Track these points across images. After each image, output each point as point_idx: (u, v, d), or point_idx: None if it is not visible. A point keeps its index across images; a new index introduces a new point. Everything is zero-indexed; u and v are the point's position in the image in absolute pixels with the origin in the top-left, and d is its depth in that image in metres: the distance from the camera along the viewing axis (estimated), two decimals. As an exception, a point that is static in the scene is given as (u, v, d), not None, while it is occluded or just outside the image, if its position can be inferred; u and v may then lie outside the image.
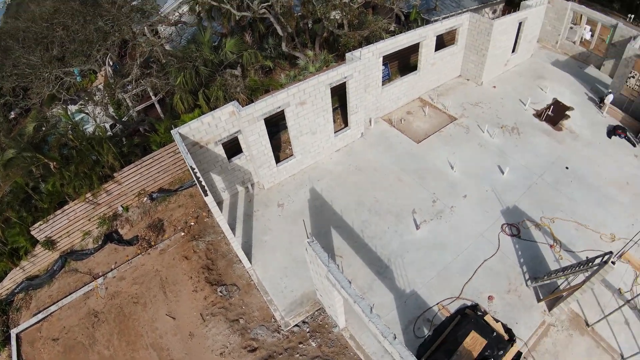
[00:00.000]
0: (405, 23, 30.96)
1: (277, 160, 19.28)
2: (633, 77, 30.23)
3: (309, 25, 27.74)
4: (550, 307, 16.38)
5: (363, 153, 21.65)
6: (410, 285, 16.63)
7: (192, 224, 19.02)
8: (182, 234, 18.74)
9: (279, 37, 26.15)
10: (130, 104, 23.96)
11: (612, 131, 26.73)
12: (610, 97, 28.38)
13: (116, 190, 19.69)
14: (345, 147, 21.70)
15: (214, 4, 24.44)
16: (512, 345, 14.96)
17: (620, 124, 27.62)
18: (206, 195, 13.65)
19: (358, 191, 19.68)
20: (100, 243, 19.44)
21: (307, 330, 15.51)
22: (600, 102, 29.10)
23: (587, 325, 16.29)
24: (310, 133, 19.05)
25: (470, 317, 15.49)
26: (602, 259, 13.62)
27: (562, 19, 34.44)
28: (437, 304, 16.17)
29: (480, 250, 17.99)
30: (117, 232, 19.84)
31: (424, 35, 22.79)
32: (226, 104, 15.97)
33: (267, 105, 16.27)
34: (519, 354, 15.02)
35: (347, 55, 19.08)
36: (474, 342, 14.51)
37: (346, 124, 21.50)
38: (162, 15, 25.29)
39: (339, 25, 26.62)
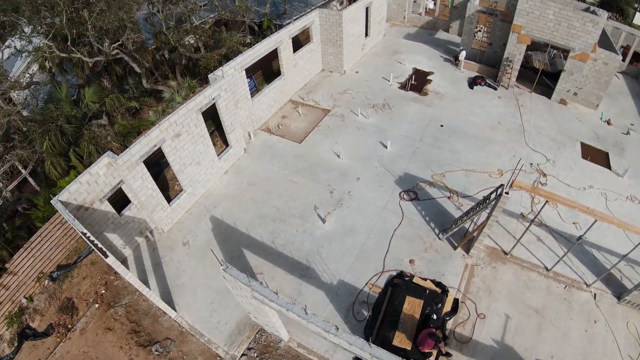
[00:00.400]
0: (260, 32, 32.65)
1: (169, 199, 19.36)
2: (479, 31, 34.84)
3: (166, 55, 28.13)
4: (467, 250, 18.88)
5: (251, 167, 22.66)
6: (336, 276, 17.90)
7: (103, 292, 18.50)
8: (97, 305, 18.12)
9: (138, 75, 26.29)
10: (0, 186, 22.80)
11: (472, 82, 31.31)
12: (463, 54, 32.84)
13: (13, 283, 18.64)
14: (232, 167, 22.51)
15: (64, 55, 24.13)
16: (446, 295, 16.97)
17: (478, 74, 32.19)
18: (107, 257, 13.56)
19: (257, 205, 20.57)
20: (16, 345, 18.16)
21: (255, 355, 15.87)
22: (455, 60, 33.54)
23: (506, 254, 19.17)
24: (193, 163, 19.48)
25: (400, 285, 17.08)
26: (496, 192, 16.07)
27: (405, -6, 38.35)
28: (366, 284, 17.65)
29: (388, 222, 20.02)
30: (29, 327, 18.61)
31: (280, 40, 24.46)
32: (101, 157, 15.75)
33: (142, 147, 16.33)
34: (456, 300, 17.11)
35: (210, 76, 19.83)
36: (411, 305, 16.08)
37: (227, 144, 22.26)
38: (12, 80, 24.22)
39: (196, 49, 27.36)
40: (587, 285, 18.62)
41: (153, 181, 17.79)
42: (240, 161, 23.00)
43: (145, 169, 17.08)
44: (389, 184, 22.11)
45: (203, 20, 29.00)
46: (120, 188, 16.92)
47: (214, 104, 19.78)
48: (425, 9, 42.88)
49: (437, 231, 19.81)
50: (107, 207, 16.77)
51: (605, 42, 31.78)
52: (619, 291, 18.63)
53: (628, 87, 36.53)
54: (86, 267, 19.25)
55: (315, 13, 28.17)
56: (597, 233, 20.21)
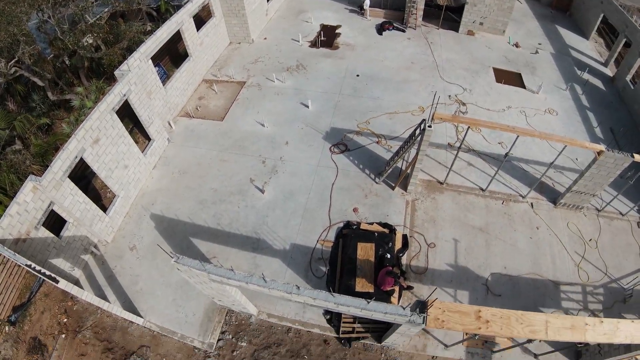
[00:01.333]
0: (159, 17, 31.61)
1: (104, 209, 18.93)
2: (382, -24, 35.50)
3: (66, 62, 26.92)
4: (405, 188, 20.03)
5: (179, 156, 22.45)
6: (287, 241, 18.47)
7: (65, 320, 17.96)
8: (63, 335, 17.55)
9: (42, 89, 25.08)
10: None
11: (380, 28, 32.25)
12: (367, 2, 33.50)
13: (-27, 337, 17.41)
14: (160, 160, 22.22)
15: (-41, 82, 22.37)
16: (395, 234, 18.16)
17: (385, 20, 33.12)
18: (57, 282, 13.36)
19: (194, 192, 20.54)
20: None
21: (231, 336, 16.27)
22: (361, 10, 34.18)
23: (441, 183, 20.54)
24: (119, 166, 19.10)
25: (349, 234, 17.94)
26: (420, 128, 16.98)
27: (299, -48, 38.01)
28: (317, 242, 18.42)
29: (325, 178, 20.82)
30: (5, 380, 17.74)
31: (181, 21, 23.82)
32: (24, 183, 15.02)
33: (63, 162, 15.83)
34: (404, 236, 18.33)
35: (116, 72, 19.21)
36: (364, 250, 16.88)
37: (149, 139, 21.87)
38: None
39: (96, 48, 26.26)
40: (523, 197, 20.38)
41: (84, 194, 17.31)
42: (166, 152, 22.67)
43: (72, 184, 16.56)
44: (318, 142, 22.79)
45: (98, 16, 27.66)
46: (52, 210, 16.29)
47: (127, 101, 19.26)
48: (324, -39, 42.73)
49: (373, 176, 20.87)
50: (45, 232, 16.16)
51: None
52: (553, 197, 20.60)
53: (531, 10, 38.84)
54: (41, 301, 18.58)
55: (213, -15, 27.53)
56: (523, 148, 22.20)
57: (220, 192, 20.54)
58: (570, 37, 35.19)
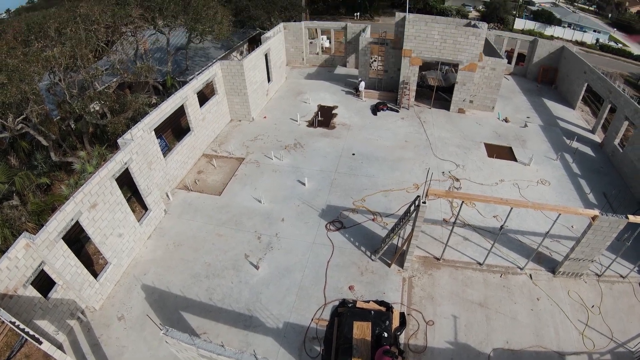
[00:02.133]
0: (164, 91, 33.06)
1: (95, 275, 18.48)
2: (374, 61, 37.57)
3: (72, 125, 27.59)
4: (401, 265, 19.60)
5: (174, 228, 22.23)
6: (281, 319, 17.71)
7: None
8: None
9: (46, 149, 25.52)
10: None
11: (375, 109, 33.56)
12: (362, 84, 35.15)
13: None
14: (155, 231, 22.01)
15: (-38, 134, 22.80)
16: (392, 312, 17.41)
17: (379, 101, 34.53)
18: (41, 344, 12.81)
19: (187, 265, 20.12)
20: None
21: None
22: (356, 92, 35.75)
23: (438, 259, 20.16)
24: (115, 233, 18.90)
25: (345, 313, 17.24)
26: (414, 204, 17.07)
27: (300, 38, 40.90)
28: (312, 320, 17.64)
29: (320, 255, 20.33)
30: None
31: (185, 96, 24.76)
32: (17, 239, 14.87)
33: (59, 222, 15.73)
34: (402, 314, 17.59)
35: (120, 141, 19.53)
36: (360, 329, 16.24)
37: (146, 208, 21.84)
38: None
39: (102, 115, 27.00)
40: (521, 269, 20.06)
41: (76, 258, 16.95)
42: (162, 223, 22.52)
43: (65, 246, 16.30)
44: (314, 219, 22.64)
45: (106, 85, 28.85)
46: (42, 270, 15.96)
47: (127, 169, 19.49)
48: (322, 48, 45.52)
49: (369, 253, 20.49)
50: (32, 292, 15.74)
51: (490, 50, 35.45)
52: (552, 266, 20.34)
53: (518, 85, 41.13)
54: (22, 363, 17.89)
55: (217, 65, 28.96)
56: (518, 220, 22.31)
57: (214, 266, 20.10)
58: (557, 108, 36.89)
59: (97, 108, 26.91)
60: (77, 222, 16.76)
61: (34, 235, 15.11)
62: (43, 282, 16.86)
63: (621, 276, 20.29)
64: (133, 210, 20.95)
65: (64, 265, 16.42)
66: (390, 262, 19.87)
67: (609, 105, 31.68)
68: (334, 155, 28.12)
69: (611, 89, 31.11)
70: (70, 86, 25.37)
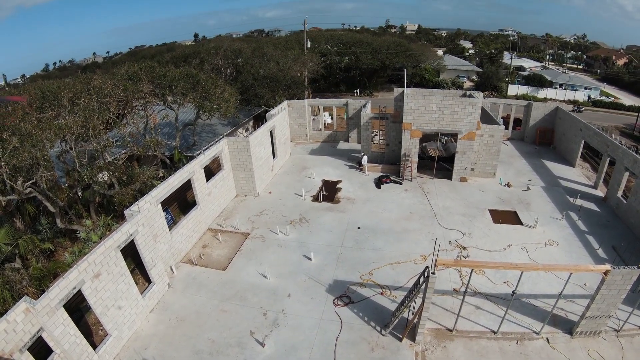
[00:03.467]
0: (172, 165, 33.56)
1: (94, 346, 17.83)
2: (375, 135, 38.52)
3: (79, 193, 27.82)
4: (413, 339, 18.79)
5: (178, 302, 21.78)
6: None
7: None
8: None
9: (52, 214, 25.54)
10: None
11: (379, 182, 33.75)
12: (365, 158, 35.69)
13: None
14: (158, 304, 21.58)
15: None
16: None
17: (382, 174, 34.85)
18: None
19: (190, 341, 19.46)
20: None
21: None
22: (359, 166, 36.20)
23: (450, 331, 19.34)
24: (116, 304, 18.54)
25: None
26: (423, 275, 16.71)
27: (304, 115, 42.24)
28: None
29: (328, 332, 19.48)
30: None
31: (192, 171, 25.22)
32: (17, 303, 14.50)
33: (61, 290, 15.54)
34: None
35: (126, 212, 19.63)
36: None
37: (149, 281, 21.53)
38: None
39: (110, 186, 27.33)
40: (537, 333, 19.25)
41: (76, 327, 16.53)
42: (165, 297, 22.07)
43: (66, 314, 15.97)
44: (321, 294, 22.02)
45: (115, 156, 29.37)
46: (40, 336, 15.35)
47: (133, 240, 19.45)
48: (324, 124, 46.79)
49: (378, 328, 19.70)
50: (29, 358, 15.07)
51: (486, 117, 36.38)
52: (569, 327, 19.57)
53: (517, 150, 41.94)
54: None
55: (224, 141, 29.75)
56: (529, 284, 21.74)
57: (218, 343, 19.32)
58: (557, 168, 37.35)
59: (106, 178, 27.31)
60: (79, 290, 16.54)
61: (35, 300, 14.89)
62: (40, 349, 16.24)
63: None
64: (136, 283, 20.58)
65: (63, 333, 16.03)
66: (401, 336, 19.10)
67: (608, 159, 32.09)
68: (339, 229, 27.94)
69: (608, 143, 31.64)
70: (80, 155, 25.88)
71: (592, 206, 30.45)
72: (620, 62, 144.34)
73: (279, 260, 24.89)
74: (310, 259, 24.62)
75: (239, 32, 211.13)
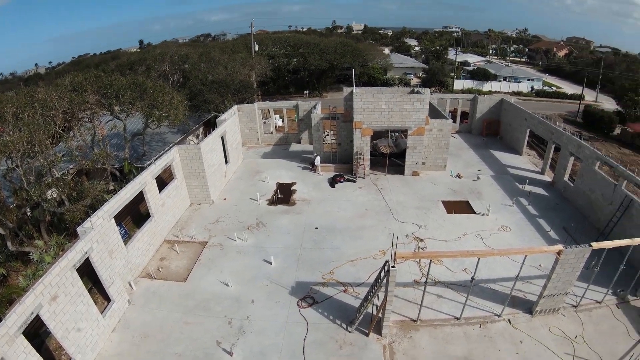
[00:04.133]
0: (122, 177, 32.74)
1: None
2: (327, 135, 38.94)
3: (28, 213, 26.83)
4: (379, 332, 19.26)
5: (140, 319, 21.26)
6: None
7: None
8: None
9: (2, 237, 24.47)
10: None
11: (333, 181, 34.29)
12: (318, 159, 36.02)
13: None
14: (120, 323, 20.96)
15: None
16: None
17: (336, 173, 35.40)
18: None
19: (156, 357, 18.98)
20: None
21: None
22: (312, 167, 36.49)
23: (415, 321, 19.98)
24: (76, 326, 17.86)
25: None
26: (384, 270, 17.25)
27: (254, 118, 42.23)
28: None
29: (295, 334, 19.61)
30: None
31: (144, 182, 24.71)
32: None
33: (18, 316, 14.86)
34: None
35: (79, 229, 19.10)
36: None
37: (109, 300, 20.88)
38: None
39: (59, 203, 26.31)
40: (499, 316, 20.28)
41: (38, 354, 15.84)
42: (126, 315, 21.48)
43: (26, 342, 15.32)
44: (285, 297, 22.11)
45: (64, 171, 28.38)
46: None
47: (88, 258, 18.86)
48: (275, 127, 46.84)
49: (344, 326, 20.03)
50: None
51: (435, 112, 37.58)
52: (528, 307, 20.76)
53: (466, 142, 43.77)
54: None
55: (175, 150, 29.30)
56: (487, 269, 22.70)
57: (184, 356, 18.98)
58: (505, 157, 39.43)
59: (55, 195, 26.23)
60: (37, 315, 15.90)
61: (-8, 328, 14.27)
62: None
63: (597, 302, 21.08)
64: (95, 302, 19.97)
65: (25, 362, 15.41)
66: (367, 331, 19.52)
67: (553, 145, 33.93)
68: (297, 231, 28.14)
69: (553, 130, 33.50)
70: (27, 172, 24.82)
71: (540, 191, 32.13)
72: (561, 53, 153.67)
73: (239, 266, 24.76)
74: (270, 263, 24.67)
75: (185, 37, 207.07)
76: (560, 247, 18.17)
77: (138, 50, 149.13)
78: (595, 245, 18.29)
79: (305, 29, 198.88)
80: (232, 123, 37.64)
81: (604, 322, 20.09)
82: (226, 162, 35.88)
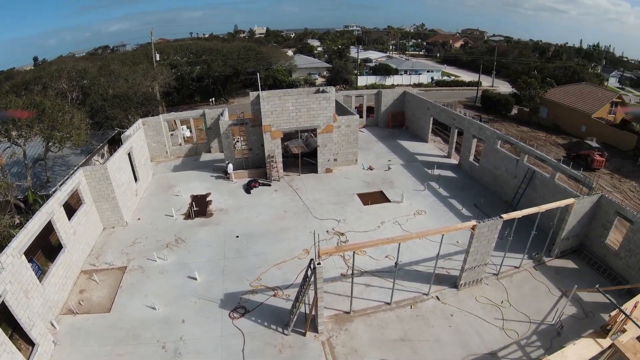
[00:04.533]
0: (27, 209, 30.59)
1: None
2: (237, 141, 38.84)
3: None
4: (316, 330, 19.81)
5: (68, 359, 19.98)
6: None
7: None
8: None
9: None
10: None
11: (248, 187, 34.57)
12: (230, 167, 35.91)
13: None
14: (48, 366, 19.52)
15: None
16: None
17: (250, 179, 35.62)
18: None
19: None
20: None
21: None
22: (226, 175, 36.28)
23: (348, 313, 20.76)
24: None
25: None
26: (310, 268, 17.85)
27: (161, 131, 41.07)
28: None
29: (232, 346, 19.49)
30: None
31: (51, 211, 23.20)
32: None
33: None
34: None
35: (-11, 272, 17.51)
36: None
37: (33, 344, 19.37)
38: None
39: None
40: (427, 295, 21.82)
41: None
42: (54, 357, 20.09)
43: None
44: (215, 311, 21.81)
45: None
46: None
47: (3, 302, 17.62)
48: (184, 138, 45.81)
49: (280, 329, 20.27)
50: None
51: (341, 109, 38.94)
52: (453, 282, 22.65)
53: (374, 135, 46.08)
54: None
55: (80, 172, 27.65)
56: (409, 253, 24.36)
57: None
58: (412, 146, 42.23)
59: (-45, 235, 24.26)
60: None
61: None
62: None
63: (516, 267, 23.63)
64: (19, 349, 18.60)
65: None
66: (304, 331, 19.91)
67: (456, 130, 36.50)
68: (218, 242, 27.83)
69: (454, 116, 36.14)
70: None
71: (449, 173, 34.51)
72: (457, 44, 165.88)
73: (164, 287, 23.99)
74: (195, 278, 24.18)
75: (82, 51, 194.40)
76: (473, 222, 19.89)
77: (33, 67, 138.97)
78: (506, 216, 20.34)
79: (207, 35, 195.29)
80: (138, 138, 36.34)
81: (525, 285, 22.36)
82: (136, 179, 34.55)
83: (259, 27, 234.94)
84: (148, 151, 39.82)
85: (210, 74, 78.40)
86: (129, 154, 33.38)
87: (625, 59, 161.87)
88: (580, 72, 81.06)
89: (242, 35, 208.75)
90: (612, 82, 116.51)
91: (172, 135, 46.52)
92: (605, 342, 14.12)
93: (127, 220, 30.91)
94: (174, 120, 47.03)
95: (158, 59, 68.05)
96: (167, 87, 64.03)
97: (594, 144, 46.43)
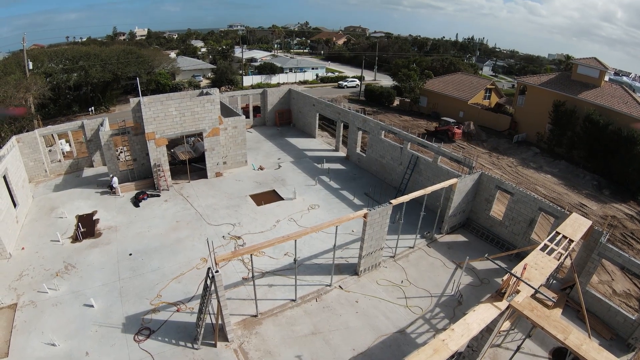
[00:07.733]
0: None
1: None
2: (121, 152, 36.50)
3: None
4: (226, 339, 19.23)
5: None
6: None
7: None
8: None
9: None
10: None
11: (136, 200, 32.28)
12: (115, 180, 33.42)
13: None
14: None
15: None
16: None
17: (138, 191, 33.42)
18: None
19: None
20: None
21: None
22: (111, 189, 33.64)
23: (255, 316, 20.43)
24: None
25: None
26: (209, 277, 17.17)
27: (38, 148, 36.94)
28: None
29: None
30: None
31: None
32: None
33: None
34: None
35: None
36: None
37: None
38: None
39: None
40: (329, 285, 22.15)
41: None
42: None
43: None
44: (119, 337, 19.93)
45: None
46: None
47: None
48: (63, 153, 41.91)
49: (190, 344, 19.23)
50: None
51: (227, 111, 38.17)
52: (353, 269, 23.23)
53: (261, 134, 45.90)
54: None
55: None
56: (307, 247, 24.64)
57: None
58: (300, 142, 42.52)
59: None
60: None
61: None
62: None
63: (410, 247, 24.93)
64: None
65: None
66: (214, 341, 19.14)
67: (342, 124, 37.40)
68: (110, 263, 25.39)
69: (339, 111, 37.09)
70: None
71: (338, 166, 35.25)
72: (340, 41, 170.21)
73: (61, 320, 21.42)
74: (92, 305, 21.89)
75: None
76: (365, 211, 20.56)
77: None
78: (394, 201, 21.36)
79: (84, 39, 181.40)
80: (12, 158, 32.43)
81: (421, 263, 23.65)
82: (15, 205, 31.06)
83: (139, 29, 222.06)
84: (25, 171, 36.01)
85: (88, 81, 72.65)
86: (4, 177, 29.67)
87: (498, 50, 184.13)
88: (456, 63, 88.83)
89: (122, 37, 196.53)
90: (486, 70, 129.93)
91: (50, 151, 42.37)
92: (503, 305, 15.05)
93: (10, 251, 27.37)
94: (52, 135, 42.94)
95: (31, 67, 61.80)
96: (42, 99, 58.34)
97: (450, 120, 52.57)
